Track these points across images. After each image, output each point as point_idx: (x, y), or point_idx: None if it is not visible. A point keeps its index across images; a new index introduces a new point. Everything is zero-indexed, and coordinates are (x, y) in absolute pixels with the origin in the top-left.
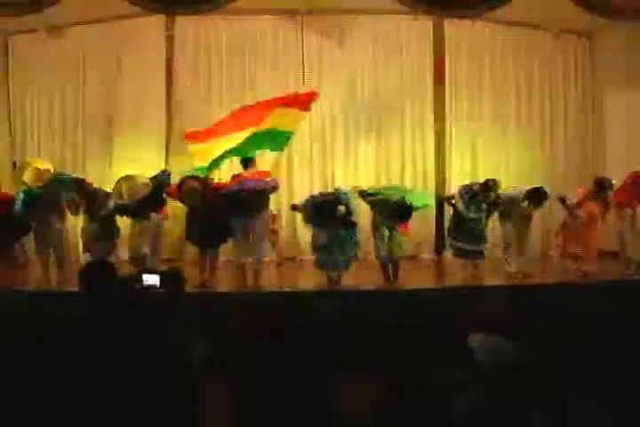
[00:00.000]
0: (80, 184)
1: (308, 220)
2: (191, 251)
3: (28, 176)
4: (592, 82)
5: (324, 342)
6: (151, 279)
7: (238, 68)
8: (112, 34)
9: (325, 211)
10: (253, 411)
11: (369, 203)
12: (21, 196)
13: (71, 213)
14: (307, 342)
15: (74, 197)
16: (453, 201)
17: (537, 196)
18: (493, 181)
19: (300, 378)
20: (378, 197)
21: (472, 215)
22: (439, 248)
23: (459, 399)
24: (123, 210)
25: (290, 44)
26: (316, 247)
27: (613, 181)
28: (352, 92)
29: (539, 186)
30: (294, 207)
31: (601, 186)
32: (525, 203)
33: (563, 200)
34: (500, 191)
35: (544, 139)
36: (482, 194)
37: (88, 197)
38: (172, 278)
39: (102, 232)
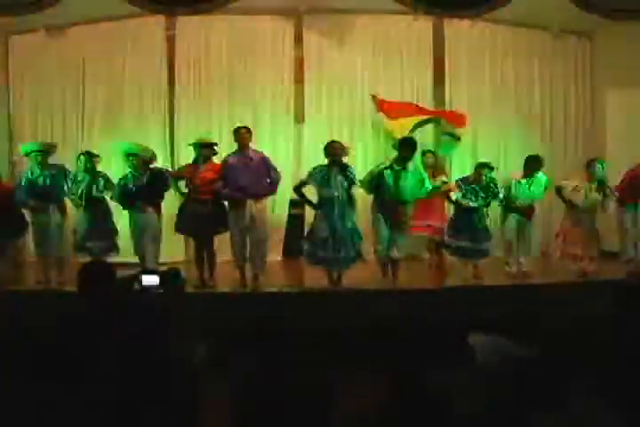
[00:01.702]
0: (89, 157)
1: (309, 179)
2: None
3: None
4: (592, 82)
5: (325, 341)
6: (150, 280)
7: (238, 68)
8: (112, 34)
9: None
10: (253, 411)
11: (370, 178)
12: (24, 181)
13: (72, 194)
14: (307, 341)
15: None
16: (452, 194)
17: (533, 162)
18: (486, 164)
19: (301, 378)
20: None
21: (471, 204)
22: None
23: (459, 399)
24: (124, 192)
25: (290, 43)
26: (315, 241)
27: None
28: (352, 92)
29: (535, 154)
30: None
31: (589, 164)
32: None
33: (558, 190)
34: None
35: (544, 139)
36: (477, 177)
37: (93, 175)
38: (171, 279)
39: (99, 230)
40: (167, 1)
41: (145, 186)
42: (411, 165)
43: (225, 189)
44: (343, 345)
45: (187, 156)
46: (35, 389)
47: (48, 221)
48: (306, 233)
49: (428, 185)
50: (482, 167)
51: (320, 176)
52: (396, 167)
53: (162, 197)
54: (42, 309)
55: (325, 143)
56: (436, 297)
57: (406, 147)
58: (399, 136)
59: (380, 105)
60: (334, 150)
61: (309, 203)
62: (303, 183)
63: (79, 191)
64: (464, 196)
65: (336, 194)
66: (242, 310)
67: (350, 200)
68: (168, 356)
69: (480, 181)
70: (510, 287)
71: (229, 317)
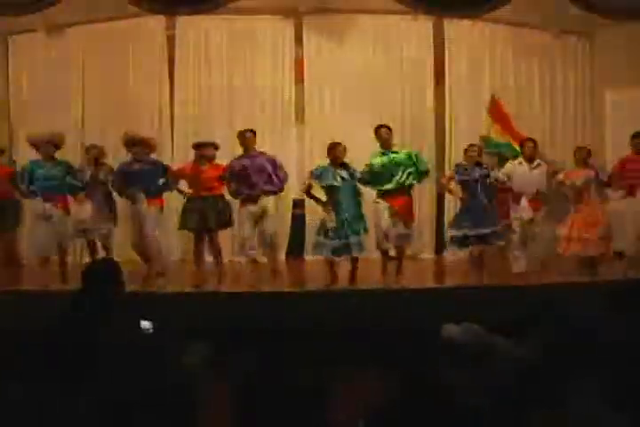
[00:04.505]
0: (95, 149)
1: (312, 180)
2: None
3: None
4: (592, 82)
5: (324, 341)
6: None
7: (238, 69)
8: (112, 34)
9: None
10: (253, 412)
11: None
12: (27, 171)
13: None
14: (307, 341)
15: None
16: (450, 186)
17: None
18: (472, 144)
19: (300, 378)
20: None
21: (469, 177)
22: (439, 248)
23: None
24: (122, 177)
25: (290, 43)
26: (324, 232)
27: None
28: (352, 92)
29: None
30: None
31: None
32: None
33: (558, 184)
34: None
35: (544, 139)
36: (466, 158)
37: (98, 164)
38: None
39: (101, 216)
40: (167, 1)
41: (144, 173)
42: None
43: (237, 190)
44: (343, 345)
45: (185, 155)
46: (34, 389)
47: (44, 214)
48: (317, 228)
49: (424, 168)
50: (468, 148)
51: (322, 173)
52: (385, 151)
53: (159, 188)
54: (42, 309)
55: (329, 144)
56: (436, 297)
57: (377, 133)
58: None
59: (496, 109)
60: (338, 153)
61: (320, 202)
62: (310, 186)
63: (85, 179)
64: (457, 173)
65: (340, 187)
66: (242, 310)
67: (355, 192)
68: (168, 356)
69: (470, 159)
70: (510, 287)
71: (229, 317)
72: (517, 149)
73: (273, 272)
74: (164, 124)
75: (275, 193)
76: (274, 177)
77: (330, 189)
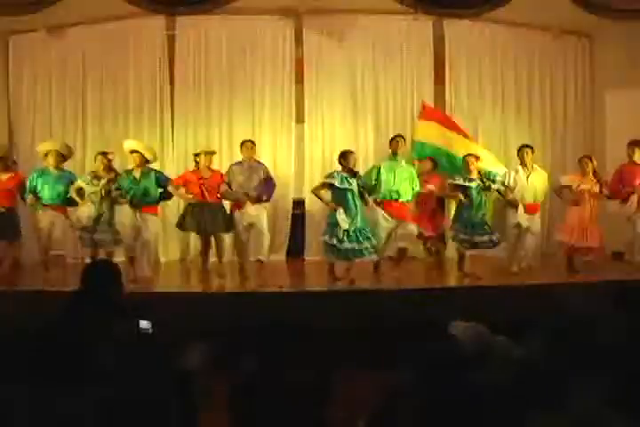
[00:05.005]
0: (105, 156)
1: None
2: None
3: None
4: (592, 82)
5: (325, 341)
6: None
7: (238, 68)
8: (112, 34)
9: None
10: (253, 412)
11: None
12: (33, 179)
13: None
14: (307, 341)
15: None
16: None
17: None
18: (471, 154)
19: (300, 378)
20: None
21: (467, 183)
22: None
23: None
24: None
25: (290, 43)
26: (337, 235)
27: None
28: (352, 92)
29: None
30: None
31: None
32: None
33: (560, 188)
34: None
35: (544, 139)
36: (465, 167)
37: (111, 173)
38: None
39: (108, 225)
40: (167, 1)
41: (141, 184)
42: (404, 162)
43: (233, 192)
44: (343, 345)
45: (185, 155)
46: (33, 389)
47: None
48: (324, 230)
49: (418, 190)
50: (468, 157)
51: (338, 177)
52: (391, 161)
53: (157, 198)
54: (41, 309)
55: (341, 152)
56: (436, 297)
57: (393, 141)
58: (420, 138)
59: (427, 112)
60: (351, 161)
61: (329, 202)
62: (323, 184)
63: (99, 188)
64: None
65: (353, 191)
66: (242, 311)
67: (362, 199)
68: (168, 357)
69: (469, 169)
70: (510, 287)
71: (228, 316)
72: (455, 154)
73: (260, 262)
74: (165, 124)
75: (261, 201)
76: (263, 186)
77: (342, 194)
